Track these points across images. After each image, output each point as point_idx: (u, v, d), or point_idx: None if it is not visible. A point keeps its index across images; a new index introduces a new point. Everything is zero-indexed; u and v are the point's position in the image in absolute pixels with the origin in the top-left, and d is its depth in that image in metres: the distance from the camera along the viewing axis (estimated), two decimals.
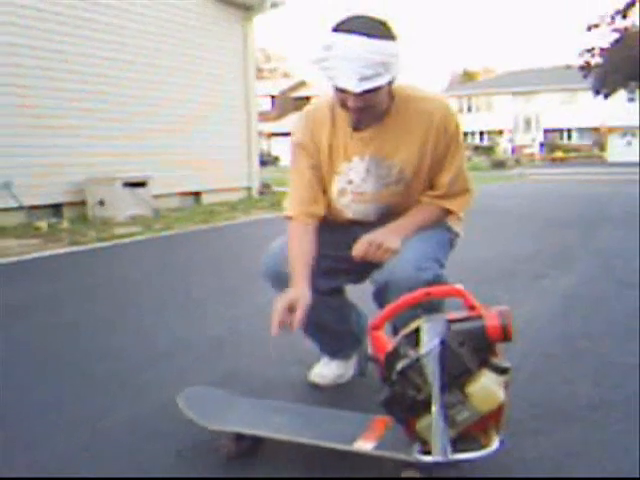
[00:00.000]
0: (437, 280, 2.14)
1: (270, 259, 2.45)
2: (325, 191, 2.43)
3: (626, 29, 23.87)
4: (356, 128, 2.27)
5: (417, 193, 2.39)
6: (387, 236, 2.26)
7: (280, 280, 2.36)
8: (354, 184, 2.37)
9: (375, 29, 2.06)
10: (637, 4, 22.15)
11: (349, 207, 2.42)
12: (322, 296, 2.43)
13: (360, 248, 2.27)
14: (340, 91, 2.11)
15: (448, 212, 2.43)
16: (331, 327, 2.58)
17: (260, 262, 2.48)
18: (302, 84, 58.60)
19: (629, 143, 43.90)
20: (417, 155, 2.30)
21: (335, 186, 2.40)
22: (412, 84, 2.32)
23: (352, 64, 2.02)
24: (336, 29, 2.08)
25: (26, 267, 6.12)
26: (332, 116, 2.33)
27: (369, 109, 2.16)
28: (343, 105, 2.17)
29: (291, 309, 2.11)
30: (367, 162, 2.33)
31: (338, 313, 2.58)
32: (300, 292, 2.16)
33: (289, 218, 2.40)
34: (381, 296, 2.24)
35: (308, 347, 2.77)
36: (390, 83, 2.14)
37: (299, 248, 2.32)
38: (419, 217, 2.37)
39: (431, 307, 2.02)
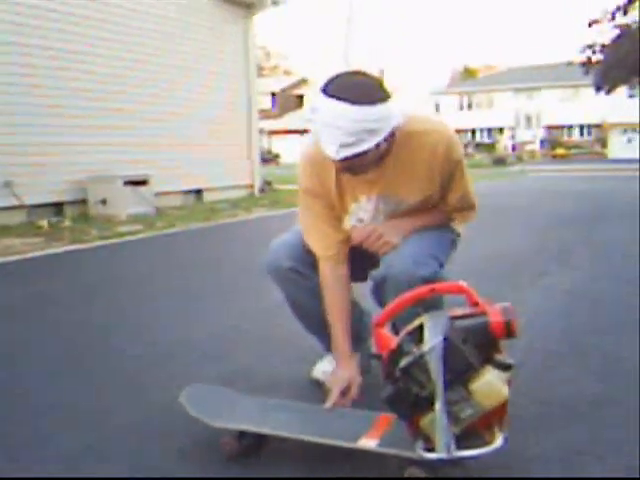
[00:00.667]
0: (435, 277, 2.14)
1: (271, 255, 2.46)
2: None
3: (627, 25, 23.82)
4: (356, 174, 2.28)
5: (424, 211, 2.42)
6: (389, 229, 2.29)
7: (280, 275, 2.42)
8: (365, 222, 2.38)
9: (362, 94, 2.02)
10: (638, 1, 22.09)
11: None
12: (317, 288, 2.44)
13: (360, 234, 2.31)
14: None
15: (451, 217, 2.46)
16: None
17: (262, 259, 2.49)
18: (303, 82, 58.56)
19: (630, 140, 43.83)
20: (424, 188, 2.31)
21: (346, 224, 2.41)
22: (411, 114, 2.27)
23: (333, 131, 2.02)
24: (324, 90, 2.06)
25: (28, 266, 6.12)
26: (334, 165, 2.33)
27: (357, 167, 2.16)
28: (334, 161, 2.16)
29: (345, 391, 2.25)
30: (375, 201, 2.34)
31: None
32: (352, 374, 2.30)
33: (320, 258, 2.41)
34: (379, 291, 2.26)
35: (311, 344, 2.76)
36: (379, 144, 2.08)
37: (336, 303, 2.37)
38: (424, 217, 2.38)
39: (431, 304, 2.02)
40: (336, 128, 2.01)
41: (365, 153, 2.07)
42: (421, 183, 2.30)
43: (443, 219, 2.44)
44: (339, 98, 2.01)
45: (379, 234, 2.27)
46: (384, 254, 2.27)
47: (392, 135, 2.12)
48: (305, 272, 2.43)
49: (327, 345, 2.69)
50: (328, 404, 2.20)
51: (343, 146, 2.02)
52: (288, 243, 2.45)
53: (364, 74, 2.11)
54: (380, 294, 2.24)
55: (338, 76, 2.10)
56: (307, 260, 2.41)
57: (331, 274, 2.37)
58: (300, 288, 2.47)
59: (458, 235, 2.51)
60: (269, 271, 2.48)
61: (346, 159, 2.06)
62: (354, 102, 1.99)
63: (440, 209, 2.41)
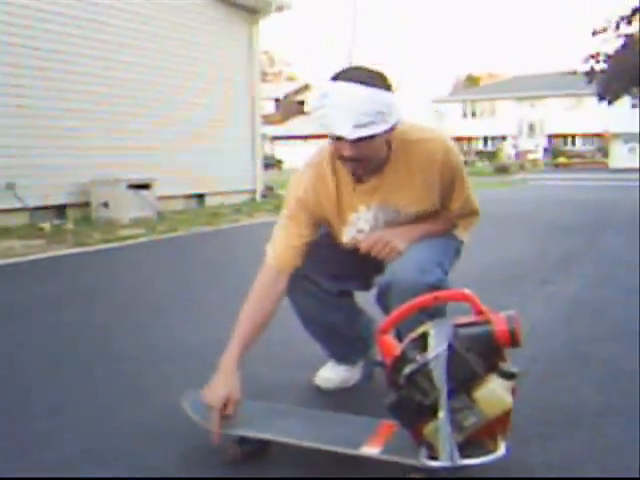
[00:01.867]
0: (440, 284, 2.14)
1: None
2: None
3: (631, 35, 23.83)
4: (357, 180, 2.28)
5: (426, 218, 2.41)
6: (395, 236, 2.27)
7: (290, 281, 2.37)
8: (365, 232, 2.36)
9: (372, 79, 2.06)
10: None
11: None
12: (331, 298, 2.45)
13: (368, 242, 2.29)
14: (336, 140, 2.11)
15: (456, 224, 2.46)
16: (340, 331, 2.59)
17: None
18: (306, 88, 58.63)
19: (632, 149, 43.83)
20: (423, 196, 2.30)
21: (345, 236, 2.40)
22: (408, 123, 2.28)
23: (347, 111, 2.02)
24: (333, 78, 2.09)
25: (30, 268, 6.12)
26: (333, 170, 2.32)
27: (365, 160, 2.15)
28: (340, 157, 2.16)
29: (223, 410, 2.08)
30: (374, 211, 2.33)
31: (346, 315, 2.58)
32: (230, 390, 2.10)
33: (266, 258, 2.37)
34: (384, 298, 2.24)
35: (314, 350, 2.76)
36: (386, 132, 2.11)
37: (260, 301, 2.30)
38: (430, 224, 2.37)
39: (435, 312, 2.02)
40: (350, 109, 2.01)
41: (374, 138, 2.07)
42: (419, 192, 2.29)
43: (448, 226, 2.43)
44: (352, 81, 2.04)
45: (386, 241, 2.25)
46: (390, 261, 2.27)
47: (392, 129, 2.13)
48: (315, 278, 2.43)
49: (331, 352, 2.70)
50: (213, 435, 2.05)
51: (357, 126, 2.02)
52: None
53: (368, 68, 2.14)
54: (385, 301, 2.22)
55: (345, 69, 2.15)
56: (316, 267, 2.41)
57: (268, 284, 2.31)
58: (308, 296, 2.47)
59: (462, 243, 2.51)
60: None
61: (360, 140, 2.05)
62: (367, 84, 2.03)
63: (444, 216, 2.42)
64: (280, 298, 2.34)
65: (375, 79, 2.07)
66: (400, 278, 2.15)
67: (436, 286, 2.09)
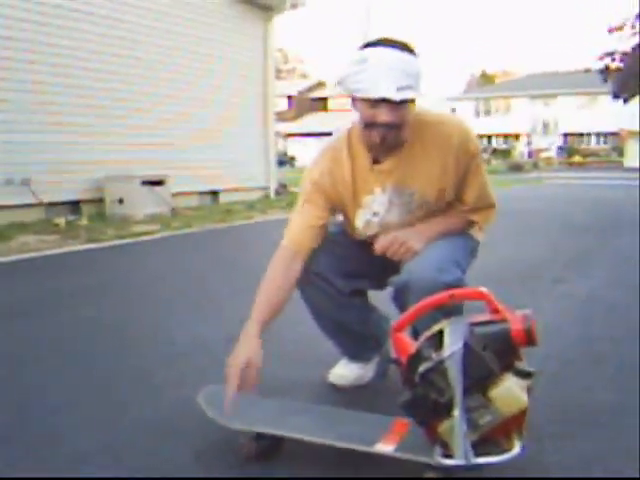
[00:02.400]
0: (458, 283, 2.12)
1: None
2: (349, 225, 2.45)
3: None
4: (375, 161, 2.28)
5: (441, 213, 2.39)
6: (411, 236, 2.27)
7: (305, 279, 2.38)
8: (379, 215, 2.37)
9: (405, 46, 2.10)
10: None
11: (376, 238, 2.40)
12: (343, 296, 2.44)
13: (383, 243, 2.29)
14: (372, 106, 2.10)
15: (473, 222, 2.44)
16: (352, 328, 2.58)
17: None
18: (320, 85, 58.63)
19: None
20: (438, 180, 2.30)
21: (360, 220, 2.40)
22: (425, 108, 2.30)
23: (389, 74, 2.03)
24: (370, 44, 2.12)
25: (44, 263, 6.16)
26: (350, 154, 2.33)
27: (395, 131, 2.15)
28: (370, 124, 2.14)
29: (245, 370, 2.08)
30: (389, 193, 2.33)
31: (360, 313, 2.57)
32: (251, 352, 2.12)
33: (282, 241, 2.37)
34: (401, 297, 2.23)
35: (328, 347, 2.76)
36: (414, 102, 2.15)
37: (276, 280, 2.29)
38: (445, 223, 2.37)
39: (452, 310, 2.02)
40: (392, 71, 2.04)
41: (410, 104, 2.11)
42: (435, 176, 2.28)
43: (464, 225, 2.42)
44: (389, 46, 2.09)
45: (402, 241, 2.24)
46: (406, 261, 2.25)
47: (413, 101, 2.15)
48: (329, 277, 2.42)
49: (344, 349, 2.70)
50: (226, 399, 2.05)
51: (400, 89, 2.04)
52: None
53: (398, 39, 2.17)
54: (402, 300, 2.21)
55: (376, 39, 2.17)
56: (330, 265, 2.41)
57: (285, 264, 2.31)
58: (320, 292, 2.45)
59: (478, 243, 2.50)
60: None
61: (401, 103, 2.07)
62: (403, 49, 2.09)
63: (460, 214, 2.40)
64: (296, 279, 2.34)
65: (408, 47, 2.11)
66: (417, 277, 2.14)
67: (454, 285, 2.08)
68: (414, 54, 2.11)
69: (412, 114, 2.18)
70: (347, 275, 2.45)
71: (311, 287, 2.44)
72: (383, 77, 2.04)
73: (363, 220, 2.39)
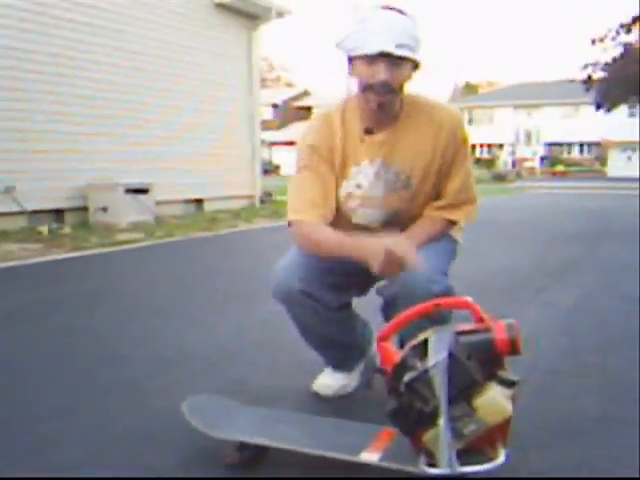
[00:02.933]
0: (447, 292, 2.14)
1: (280, 277, 2.37)
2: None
3: (630, 44, 23.89)
4: (368, 132, 2.29)
5: (423, 201, 2.39)
6: (407, 249, 2.08)
7: (290, 298, 2.35)
8: (363, 188, 2.35)
9: (404, 12, 2.17)
10: None
11: (355, 211, 2.40)
12: (330, 311, 2.42)
13: (379, 264, 2.08)
14: (370, 63, 2.13)
15: (453, 223, 2.44)
16: (336, 340, 2.57)
17: (270, 279, 2.41)
18: (305, 94, 58.72)
19: (629, 158, 43.93)
20: (426, 162, 2.31)
21: (343, 190, 2.38)
22: (423, 94, 2.34)
23: (388, 31, 2.09)
24: (370, 9, 2.18)
25: (28, 272, 6.11)
26: (342, 122, 2.34)
27: (392, 96, 2.18)
28: (369, 86, 2.16)
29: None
30: (377, 166, 2.32)
31: (344, 326, 2.56)
32: (380, 243, 2.04)
33: (295, 222, 2.30)
34: (390, 309, 2.23)
35: (312, 356, 2.76)
36: (415, 69, 2.20)
37: (327, 232, 2.23)
38: (428, 229, 2.36)
39: (441, 319, 2.02)
40: (391, 29, 2.09)
41: (406, 68, 2.16)
42: (423, 155, 2.31)
43: (445, 229, 2.42)
44: (390, 9, 2.14)
45: (398, 259, 2.05)
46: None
47: (417, 68, 2.20)
48: (316, 294, 2.35)
49: (328, 360, 2.69)
50: (418, 264, 2.01)
51: (399, 45, 2.08)
52: (296, 263, 2.35)
53: None
54: (391, 311, 2.18)
55: (375, 5, 2.22)
56: (317, 281, 2.35)
57: (313, 223, 2.26)
58: (307, 309, 2.39)
59: (458, 243, 2.50)
60: (278, 293, 2.38)
61: (399, 60, 2.11)
62: (404, 14, 2.15)
63: (439, 220, 2.39)
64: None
65: (406, 13, 2.17)
66: (409, 290, 2.14)
67: (445, 294, 2.09)
68: (414, 22, 2.16)
69: (409, 88, 2.23)
70: (333, 288, 2.39)
71: (297, 305, 2.39)
72: (382, 33, 2.08)
73: (345, 192, 2.37)
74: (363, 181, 2.35)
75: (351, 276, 2.38)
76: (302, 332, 2.57)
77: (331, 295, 2.39)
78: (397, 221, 2.39)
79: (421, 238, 2.31)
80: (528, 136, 50.68)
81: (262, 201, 14.30)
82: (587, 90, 26.06)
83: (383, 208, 2.38)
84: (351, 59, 2.20)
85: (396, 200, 2.37)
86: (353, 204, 2.39)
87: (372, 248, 2.05)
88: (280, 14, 14.11)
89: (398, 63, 2.11)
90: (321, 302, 2.38)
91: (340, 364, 2.68)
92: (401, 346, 1.99)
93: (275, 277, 2.38)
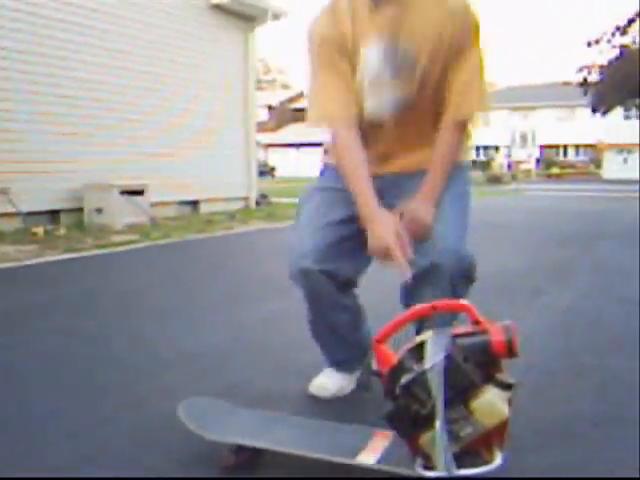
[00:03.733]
0: (473, 266, 2.31)
1: (296, 255, 2.38)
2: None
3: (626, 46, 23.90)
4: (376, 3, 2.26)
5: (433, 91, 2.32)
6: (426, 211, 2.26)
7: (307, 276, 2.35)
8: (371, 70, 2.31)
9: None
10: (637, 21, 22.15)
11: (366, 102, 2.35)
12: (341, 294, 2.43)
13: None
14: None
15: (464, 128, 2.39)
16: (343, 332, 2.56)
17: (287, 262, 2.43)
18: (301, 95, 58.68)
19: (625, 160, 44.05)
20: (434, 41, 2.26)
21: (356, 78, 2.34)
22: None
23: None
24: None
25: (23, 273, 6.10)
26: (351, 5, 2.31)
27: None
28: None
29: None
30: (385, 44, 2.28)
31: (352, 317, 2.55)
32: (393, 222, 2.17)
33: (326, 124, 2.34)
34: (418, 284, 2.23)
35: (310, 358, 2.75)
36: None
37: (359, 160, 2.28)
38: (442, 159, 2.33)
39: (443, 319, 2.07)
40: None
41: None
42: (431, 35, 2.25)
43: (459, 145, 2.40)
44: None
45: (420, 225, 2.24)
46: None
47: None
48: (333, 271, 2.35)
49: (330, 356, 2.67)
50: (407, 273, 2.12)
51: None
52: (312, 242, 2.35)
53: None
54: (418, 289, 2.24)
55: None
56: (331, 254, 2.35)
57: (349, 136, 2.29)
58: (323, 287, 2.38)
59: (470, 192, 2.52)
60: (296, 272, 2.38)
61: None
62: None
63: (451, 132, 2.34)
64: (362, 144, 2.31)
65: None
66: (441, 262, 2.22)
67: (470, 268, 2.29)
68: None
69: None
70: (351, 256, 2.39)
71: (313, 283, 2.38)
72: None
73: (358, 79, 2.33)
74: (372, 62, 2.31)
75: (350, 224, 2.37)
76: (312, 313, 2.54)
77: (349, 263, 2.40)
78: (409, 118, 2.35)
79: (437, 182, 2.31)
80: (524, 138, 50.82)
81: (258, 203, 14.29)
82: (585, 93, 26.05)
83: (392, 93, 2.33)
84: None
85: (405, 83, 2.31)
86: (364, 93, 2.34)
87: (376, 241, 2.17)
88: (276, 16, 14.11)
89: None
90: (337, 279, 2.38)
91: (341, 363, 2.66)
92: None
93: (291, 256, 2.40)
